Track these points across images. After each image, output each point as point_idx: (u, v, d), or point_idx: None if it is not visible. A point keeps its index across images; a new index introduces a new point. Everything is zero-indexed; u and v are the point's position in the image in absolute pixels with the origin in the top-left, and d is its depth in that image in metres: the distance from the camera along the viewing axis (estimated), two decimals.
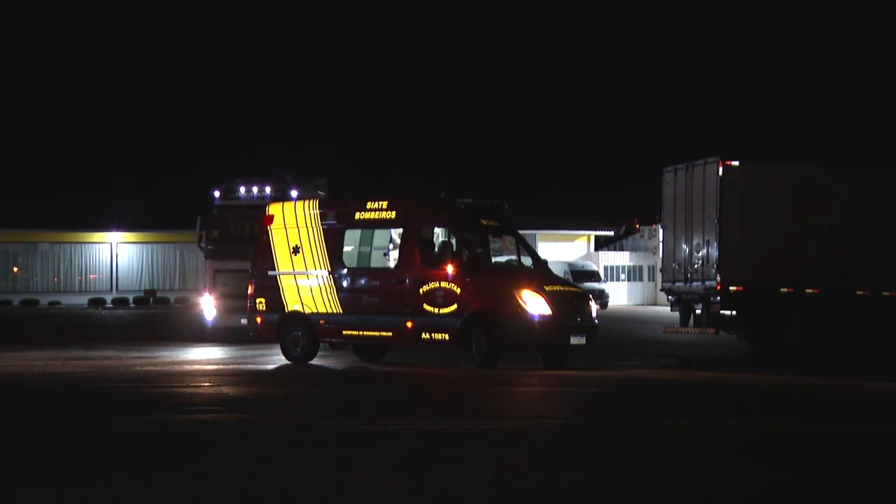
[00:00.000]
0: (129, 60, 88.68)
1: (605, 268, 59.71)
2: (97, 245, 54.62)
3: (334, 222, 22.21)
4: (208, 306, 28.79)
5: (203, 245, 29.17)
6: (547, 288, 20.63)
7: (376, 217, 21.91)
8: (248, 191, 28.71)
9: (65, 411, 14.40)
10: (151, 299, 52.97)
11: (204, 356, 23.69)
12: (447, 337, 20.65)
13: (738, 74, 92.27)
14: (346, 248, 22.17)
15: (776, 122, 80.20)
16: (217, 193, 29.10)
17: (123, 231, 54.03)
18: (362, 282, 21.93)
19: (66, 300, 51.85)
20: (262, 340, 24.83)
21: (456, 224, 21.39)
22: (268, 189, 28.31)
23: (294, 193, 27.37)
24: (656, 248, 50.46)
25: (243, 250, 26.92)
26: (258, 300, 22.89)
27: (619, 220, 66.88)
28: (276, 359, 22.56)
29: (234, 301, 27.30)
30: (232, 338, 27.46)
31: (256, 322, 23.04)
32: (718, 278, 23.25)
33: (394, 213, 21.72)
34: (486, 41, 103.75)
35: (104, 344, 26.93)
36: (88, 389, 17.11)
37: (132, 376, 19.16)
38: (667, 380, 19.49)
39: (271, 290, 22.67)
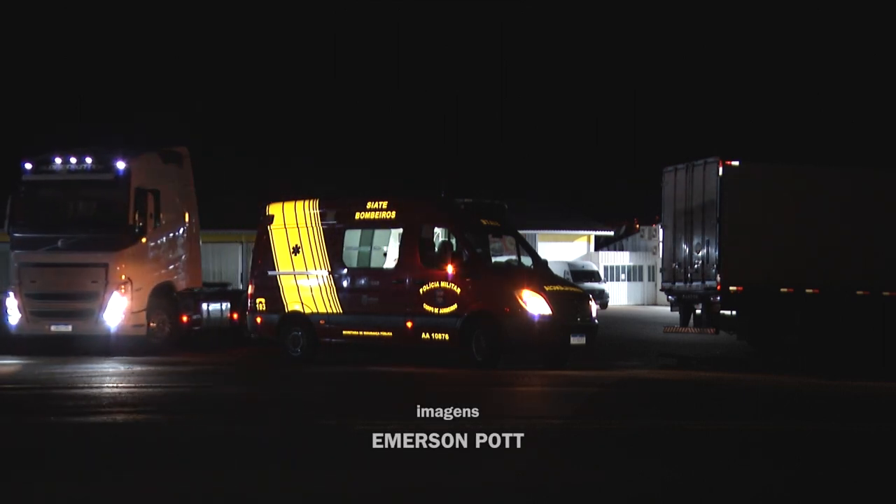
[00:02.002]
0: (131, 61, 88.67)
1: (605, 268, 59.64)
2: None
3: (334, 222, 22.22)
4: (12, 309, 23.59)
5: (9, 231, 23.93)
6: (547, 288, 20.63)
7: (376, 217, 21.92)
8: (65, 162, 23.78)
9: (65, 411, 14.38)
10: None
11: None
12: (447, 337, 20.66)
13: (738, 74, 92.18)
14: (346, 248, 22.17)
15: (776, 122, 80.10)
16: (28, 166, 24.08)
17: None
18: (362, 282, 21.94)
19: None
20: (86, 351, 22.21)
21: (456, 224, 21.39)
22: (88, 160, 23.79)
23: (121, 165, 23.47)
24: (656, 248, 50.41)
25: (57, 237, 23.38)
26: (258, 300, 22.90)
27: (619, 220, 66.79)
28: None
29: (44, 303, 23.30)
30: (42, 350, 23.17)
31: (256, 322, 23.05)
32: (718, 278, 23.25)
33: (394, 213, 21.73)
34: (486, 41, 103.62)
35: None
36: (87, 389, 17.13)
37: (132, 377, 19.17)
38: (667, 380, 19.48)
39: (271, 290, 22.68)
